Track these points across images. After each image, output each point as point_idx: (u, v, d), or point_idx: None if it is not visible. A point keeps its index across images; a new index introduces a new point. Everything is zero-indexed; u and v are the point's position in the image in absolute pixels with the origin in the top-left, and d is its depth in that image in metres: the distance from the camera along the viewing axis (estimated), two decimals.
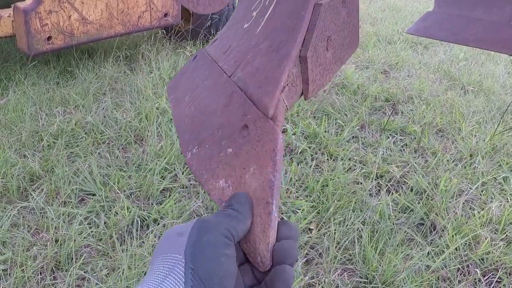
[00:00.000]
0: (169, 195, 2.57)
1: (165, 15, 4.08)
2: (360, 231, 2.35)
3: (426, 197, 2.66)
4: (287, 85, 0.90)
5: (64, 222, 2.34)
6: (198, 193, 2.59)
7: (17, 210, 2.42)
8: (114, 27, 3.82)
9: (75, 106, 3.39)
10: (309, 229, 2.37)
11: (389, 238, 2.30)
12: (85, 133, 3.10)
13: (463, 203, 2.64)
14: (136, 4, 3.86)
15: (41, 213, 2.42)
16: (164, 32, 4.86)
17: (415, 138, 3.30)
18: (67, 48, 3.67)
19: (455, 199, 2.66)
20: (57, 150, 2.85)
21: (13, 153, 2.82)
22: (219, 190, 0.82)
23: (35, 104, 3.38)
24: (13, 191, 2.52)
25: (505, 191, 2.82)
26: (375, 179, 2.78)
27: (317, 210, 2.49)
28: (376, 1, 7.60)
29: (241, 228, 0.68)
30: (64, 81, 3.79)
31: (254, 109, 0.85)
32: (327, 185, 2.65)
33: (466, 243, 2.35)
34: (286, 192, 2.58)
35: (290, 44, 0.90)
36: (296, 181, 2.70)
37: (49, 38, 3.47)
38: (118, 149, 2.94)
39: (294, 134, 3.15)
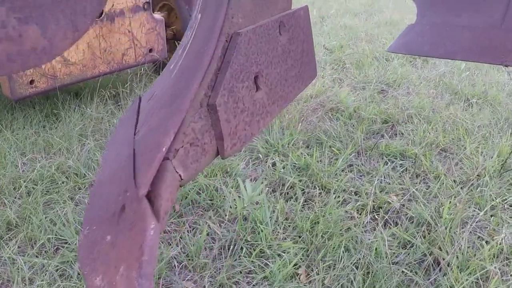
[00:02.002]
0: None
1: (150, 50, 3.96)
2: (353, 274, 2.14)
3: (427, 229, 2.44)
4: (181, 147, 0.71)
5: (35, 275, 2.19)
6: (181, 238, 2.42)
7: None
8: (98, 66, 3.71)
9: (58, 150, 3.26)
10: (297, 274, 2.17)
11: (385, 281, 2.09)
12: (66, 177, 2.95)
13: (470, 233, 2.42)
14: (119, 41, 3.74)
15: (14, 263, 2.27)
16: (147, 68, 4.70)
17: (415, 161, 3.09)
18: (51, 91, 3.57)
19: (461, 229, 2.44)
20: (35, 197, 2.71)
21: None
22: None
23: (19, 150, 3.26)
24: None
25: None
26: (371, 212, 2.57)
27: (306, 252, 2.29)
28: (372, 17, 7.43)
29: None
30: (50, 123, 3.67)
31: (133, 185, 0.67)
32: (318, 223, 2.45)
33: (473, 282, 2.12)
34: (273, 233, 2.39)
35: (183, 93, 0.72)
36: (285, 219, 2.50)
37: (31, 82, 3.39)
38: None
39: (283, 168, 2.96)
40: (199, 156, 0.75)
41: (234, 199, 2.56)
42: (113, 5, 3.61)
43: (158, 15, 4.05)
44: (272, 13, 0.92)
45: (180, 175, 0.70)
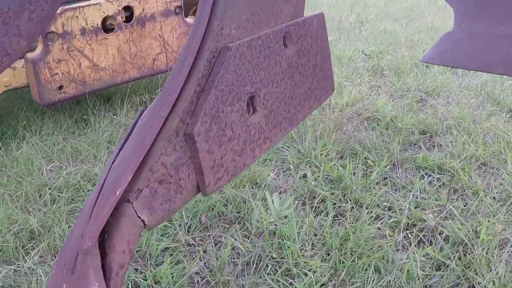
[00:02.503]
0: (171, 254, 2.32)
1: None
2: None
3: (463, 250, 2.28)
4: (147, 186, 0.61)
5: None
6: (204, 252, 2.34)
7: (13, 270, 2.26)
8: (128, 71, 3.67)
9: (86, 157, 3.23)
10: None
11: None
12: (92, 185, 2.92)
13: (509, 255, 2.25)
14: (150, 46, 3.70)
15: (34, 274, 2.23)
16: None
17: (454, 175, 2.92)
18: (80, 96, 3.55)
19: (499, 251, 2.27)
20: (59, 205, 2.67)
21: (17, 208, 2.66)
22: None
23: (46, 156, 3.24)
24: (9, 250, 2.35)
25: None
26: (404, 230, 2.43)
27: (335, 271, 2.17)
28: (413, 22, 7.20)
29: None
30: (80, 129, 3.66)
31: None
32: (348, 240, 2.32)
33: None
34: (300, 250, 2.28)
35: (152, 120, 0.62)
36: (314, 235, 2.39)
37: (60, 87, 3.37)
38: None
39: (315, 180, 2.84)
40: (172, 194, 0.64)
41: (261, 213, 2.46)
42: (143, 9, 3.57)
43: (190, 19, 3.99)
44: (276, 23, 0.80)
45: (143, 220, 0.60)
